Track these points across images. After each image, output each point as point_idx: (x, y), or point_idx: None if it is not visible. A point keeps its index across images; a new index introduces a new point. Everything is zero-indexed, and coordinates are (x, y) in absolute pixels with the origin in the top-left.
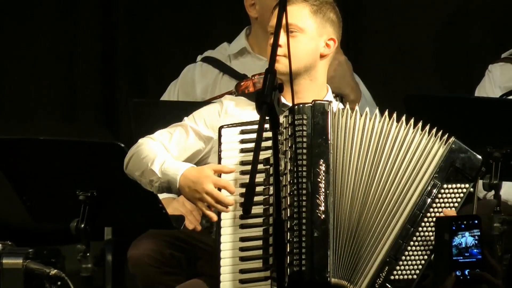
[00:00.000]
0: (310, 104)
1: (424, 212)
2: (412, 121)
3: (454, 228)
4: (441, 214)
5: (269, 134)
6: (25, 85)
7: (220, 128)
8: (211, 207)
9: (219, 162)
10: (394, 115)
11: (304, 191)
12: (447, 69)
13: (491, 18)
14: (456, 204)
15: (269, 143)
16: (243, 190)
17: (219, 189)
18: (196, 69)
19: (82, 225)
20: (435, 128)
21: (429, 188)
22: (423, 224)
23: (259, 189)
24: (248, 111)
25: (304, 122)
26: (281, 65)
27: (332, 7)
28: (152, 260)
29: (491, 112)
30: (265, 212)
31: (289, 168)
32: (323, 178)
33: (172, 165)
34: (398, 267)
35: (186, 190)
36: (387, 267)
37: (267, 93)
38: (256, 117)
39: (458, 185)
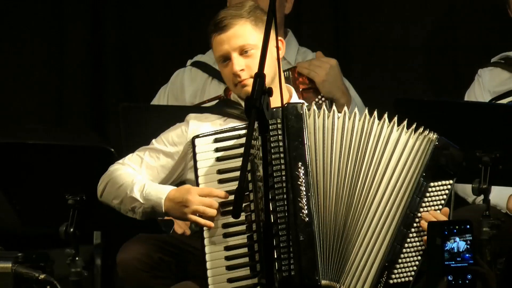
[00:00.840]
0: (282, 107)
1: (415, 213)
2: (395, 119)
3: (446, 233)
4: (429, 214)
5: (242, 141)
6: (13, 89)
7: (194, 138)
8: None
9: (196, 173)
10: (375, 113)
11: (285, 196)
12: (435, 73)
13: (480, 21)
14: (442, 202)
15: (241, 150)
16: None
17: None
18: (186, 74)
19: (71, 229)
20: (415, 123)
21: (417, 187)
22: (414, 224)
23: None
24: (207, 124)
25: (278, 126)
26: (249, 87)
27: (259, 9)
28: (141, 264)
29: (480, 116)
30: (247, 219)
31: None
32: (303, 181)
33: (153, 190)
34: (395, 271)
35: (173, 212)
36: (386, 272)
37: (256, 97)
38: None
39: (443, 182)
